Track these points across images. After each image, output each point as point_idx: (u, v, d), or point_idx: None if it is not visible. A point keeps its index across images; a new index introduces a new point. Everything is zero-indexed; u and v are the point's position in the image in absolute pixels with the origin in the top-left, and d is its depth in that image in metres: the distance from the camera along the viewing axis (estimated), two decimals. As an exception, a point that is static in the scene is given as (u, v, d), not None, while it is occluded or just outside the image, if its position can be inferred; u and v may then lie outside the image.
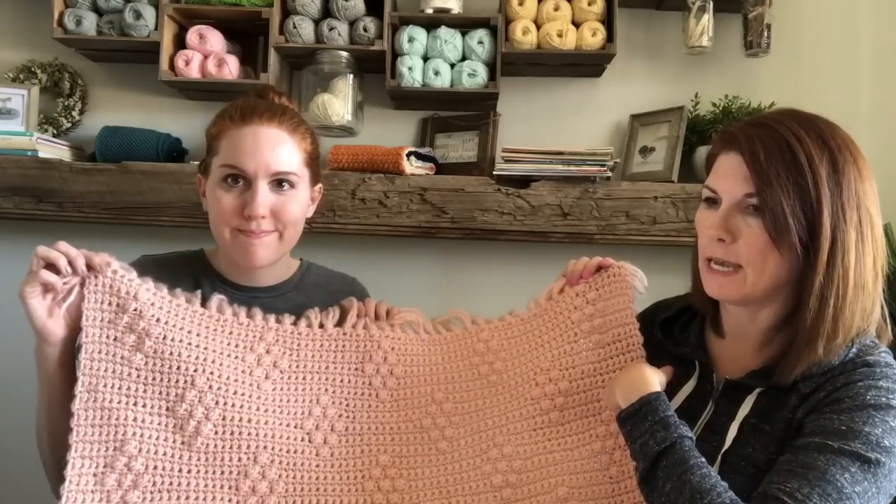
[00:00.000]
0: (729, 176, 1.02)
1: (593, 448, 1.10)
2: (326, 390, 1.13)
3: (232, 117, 1.19)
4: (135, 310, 1.06)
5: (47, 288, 1.03)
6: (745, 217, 1.00)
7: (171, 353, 1.07)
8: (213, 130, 1.21)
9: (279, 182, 1.18)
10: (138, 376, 1.05)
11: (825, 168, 0.96)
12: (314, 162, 1.26)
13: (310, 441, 1.10)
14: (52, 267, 1.03)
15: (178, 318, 1.09)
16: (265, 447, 1.08)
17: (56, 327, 1.04)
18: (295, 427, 1.10)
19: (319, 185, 1.31)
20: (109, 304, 1.06)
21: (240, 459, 1.07)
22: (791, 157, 0.97)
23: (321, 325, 1.17)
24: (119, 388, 1.04)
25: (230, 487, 1.05)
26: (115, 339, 1.05)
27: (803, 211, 0.96)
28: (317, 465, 1.09)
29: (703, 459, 0.94)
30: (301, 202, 1.21)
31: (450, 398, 1.16)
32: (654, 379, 1.04)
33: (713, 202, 1.04)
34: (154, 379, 1.06)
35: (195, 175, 1.29)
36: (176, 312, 1.09)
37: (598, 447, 1.10)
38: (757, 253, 0.99)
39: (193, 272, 1.25)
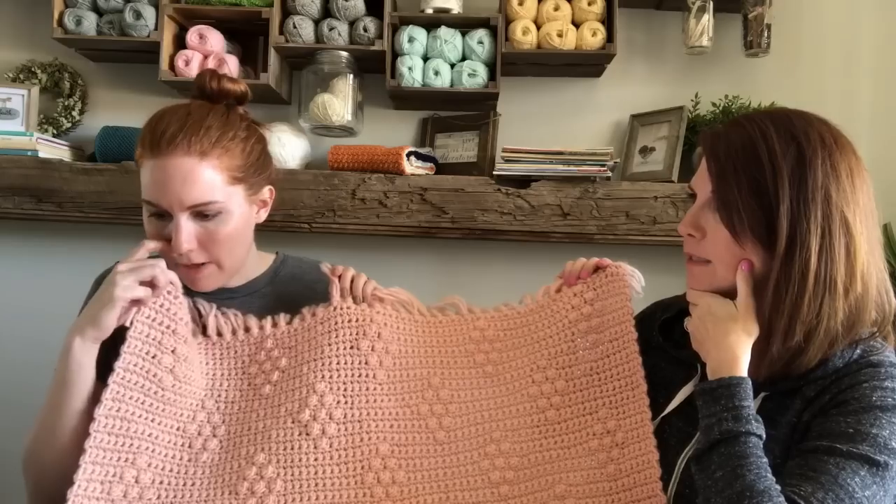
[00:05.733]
0: (700, 174, 1.05)
1: (590, 446, 1.09)
2: (323, 377, 1.12)
3: (144, 145, 1.10)
4: (180, 333, 1.10)
5: (135, 301, 1.06)
6: (713, 213, 1.01)
7: (187, 377, 1.10)
8: (136, 154, 1.13)
9: (200, 213, 1.10)
10: (163, 395, 1.07)
11: (789, 163, 0.96)
12: (249, 171, 1.15)
13: (307, 434, 1.09)
14: (149, 283, 1.07)
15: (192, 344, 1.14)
16: (262, 448, 1.08)
17: (113, 327, 1.05)
18: (291, 422, 1.10)
19: (268, 187, 1.21)
20: (160, 323, 1.09)
21: (239, 465, 1.07)
22: (752, 153, 0.97)
23: (313, 314, 1.17)
24: (142, 403, 1.05)
25: (230, 493, 1.05)
26: (153, 356, 1.07)
27: (761, 206, 0.96)
28: (315, 459, 1.08)
29: (766, 461, 0.90)
30: (235, 223, 1.13)
31: (446, 384, 1.15)
32: (744, 362, 0.97)
33: (695, 201, 1.07)
34: (174, 400, 1.08)
35: None
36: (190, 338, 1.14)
37: (595, 445, 1.09)
38: (723, 249, 1.00)
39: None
